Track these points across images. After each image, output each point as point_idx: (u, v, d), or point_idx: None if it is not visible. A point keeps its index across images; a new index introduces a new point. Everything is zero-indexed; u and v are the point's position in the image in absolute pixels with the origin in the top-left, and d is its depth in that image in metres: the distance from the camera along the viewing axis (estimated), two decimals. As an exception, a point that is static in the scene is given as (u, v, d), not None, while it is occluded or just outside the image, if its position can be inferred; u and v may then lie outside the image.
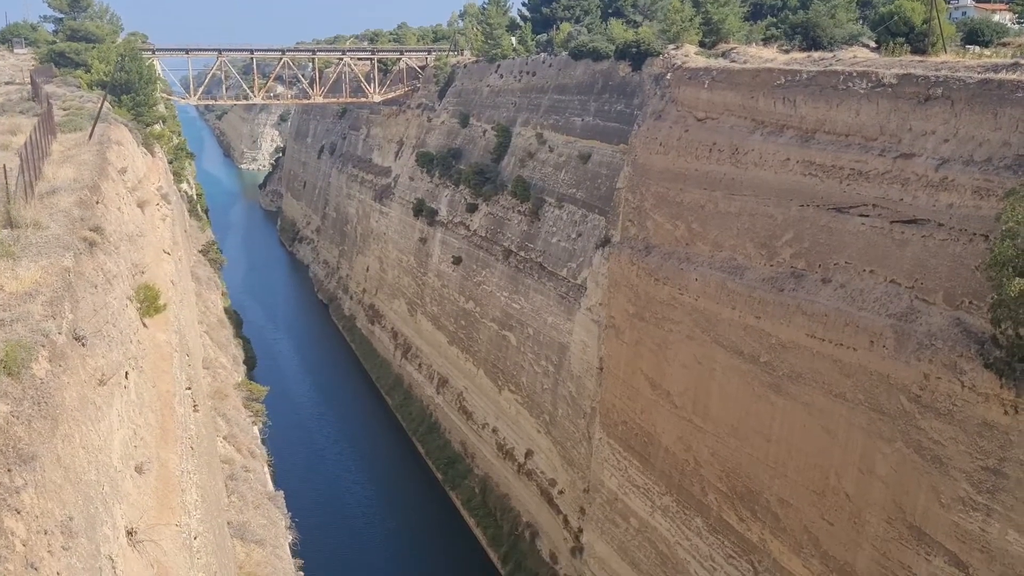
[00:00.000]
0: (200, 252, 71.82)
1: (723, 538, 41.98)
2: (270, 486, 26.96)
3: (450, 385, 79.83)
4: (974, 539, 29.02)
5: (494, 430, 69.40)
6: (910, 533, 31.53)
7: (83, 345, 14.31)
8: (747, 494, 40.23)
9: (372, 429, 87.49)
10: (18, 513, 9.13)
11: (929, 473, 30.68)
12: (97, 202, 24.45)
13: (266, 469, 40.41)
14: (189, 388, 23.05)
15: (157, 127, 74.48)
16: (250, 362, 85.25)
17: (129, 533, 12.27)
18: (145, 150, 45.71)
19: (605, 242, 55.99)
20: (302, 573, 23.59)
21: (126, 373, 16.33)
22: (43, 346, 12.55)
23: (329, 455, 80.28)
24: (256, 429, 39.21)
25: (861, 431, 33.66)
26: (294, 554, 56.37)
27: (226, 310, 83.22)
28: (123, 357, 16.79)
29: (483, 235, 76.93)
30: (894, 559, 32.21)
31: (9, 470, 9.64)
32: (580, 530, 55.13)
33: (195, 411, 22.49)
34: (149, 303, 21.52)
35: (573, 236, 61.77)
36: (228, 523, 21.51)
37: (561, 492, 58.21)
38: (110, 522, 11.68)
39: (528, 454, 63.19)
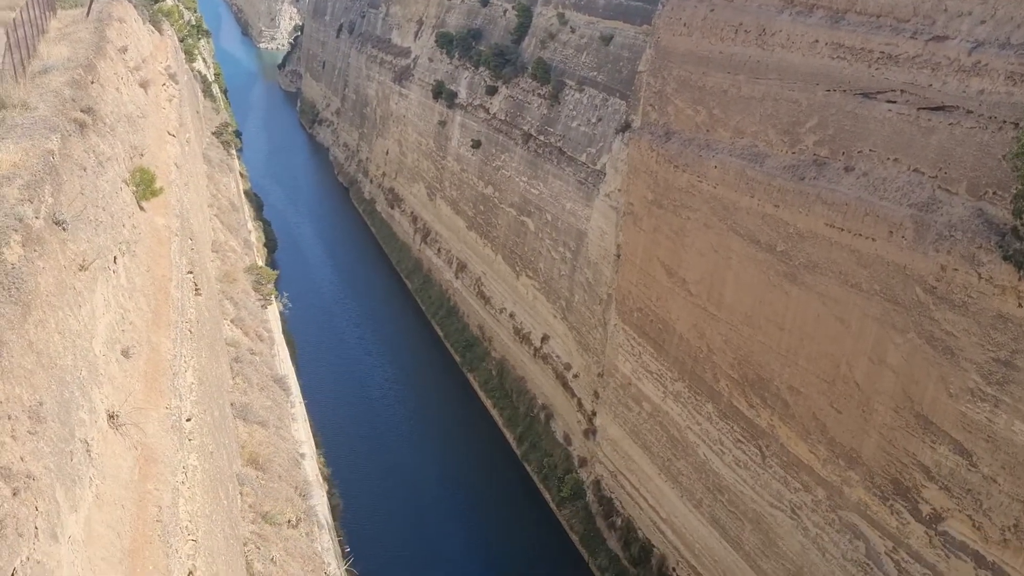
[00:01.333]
0: (213, 134, 71.02)
1: (733, 423, 42.42)
2: (278, 369, 27.29)
3: (468, 270, 79.99)
4: (980, 429, 28.97)
5: (511, 315, 69.84)
6: (917, 422, 31.54)
7: (63, 230, 14.06)
8: (758, 381, 40.35)
9: (392, 312, 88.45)
10: (-23, 400, 9.04)
11: (939, 364, 30.41)
12: (92, 82, 23.79)
13: (277, 352, 40.97)
14: (191, 272, 23.00)
15: (168, 2, 72.42)
16: (271, 245, 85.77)
17: (111, 416, 12.31)
18: (152, 28, 44.45)
19: (625, 127, 54.57)
20: (305, 452, 24.01)
21: (115, 258, 16.14)
22: (16, 231, 12.29)
23: (350, 338, 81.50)
24: (268, 311, 39.56)
25: (874, 321, 33.27)
26: (314, 435, 57.92)
27: (246, 192, 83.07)
28: (112, 242, 16.56)
29: (502, 118, 75.38)
30: (899, 447, 32.36)
31: (-28, 358, 9.52)
32: (594, 413, 56.00)
33: (197, 295, 22.52)
34: (145, 186, 21.19)
35: (593, 121, 60.28)
36: (231, 404, 21.84)
37: (576, 376, 58.88)
38: (87, 406, 11.67)
39: (544, 338, 63.69)
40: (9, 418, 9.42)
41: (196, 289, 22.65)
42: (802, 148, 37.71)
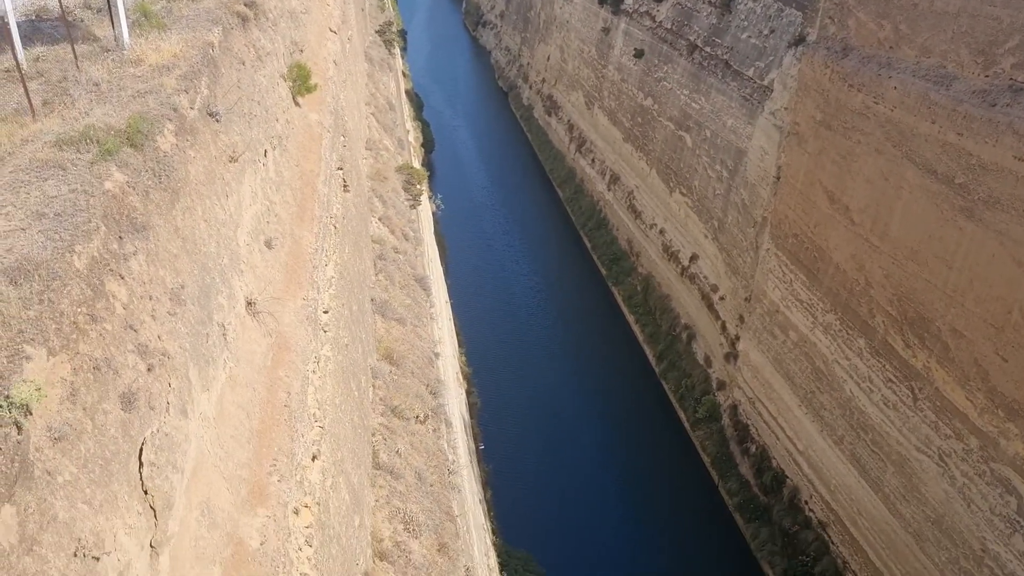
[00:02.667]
0: (377, 32, 71.80)
1: (885, 362, 40.31)
2: (421, 269, 27.87)
3: (621, 182, 78.68)
4: None
5: (661, 231, 68.50)
6: (1095, 380, 28.89)
7: (216, 121, 14.54)
8: (918, 320, 37.95)
9: (542, 220, 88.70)
10: (121, 279, 9.58)
11: None
12: (257, -24, 24.25)
13: (425, 251, 41.93)
14: (340, 168, 23.54)
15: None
16: (428, 145, 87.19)
17: (249, 304, 12.86)
18: (321, -77, 44.88)
19: (799, 41, 51.09)
20: (440, 351, 24.59)
21: (265, 151, 16.64)
22: (170, 120, 12.79)
23: (498, 243, 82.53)
24: (419, 211, 40.33)
25: (1058, 266, 30.36)
26: (457, 334, 59.60)
27: (407, 92, 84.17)
28: (264, 136, 17.06)
29: (668, 27, 72.30)
30: (1070, 405, 29.84)
31: (120, 237, 10.06)
32: (737, 337, 54.66)
33: (345, 191, 23.10)
34: (301, 82, 21.65)
35: (765, 32, 56.77)
36: (372, 300, 22.53)
37: (722, 298, 57.43)
38: (227, 292, 12.21)
39: (693, 258, 62.23)
40: (150, 299, 9.96)
41: (344, 185, 23.22)
42: (997, 71, 34.14)
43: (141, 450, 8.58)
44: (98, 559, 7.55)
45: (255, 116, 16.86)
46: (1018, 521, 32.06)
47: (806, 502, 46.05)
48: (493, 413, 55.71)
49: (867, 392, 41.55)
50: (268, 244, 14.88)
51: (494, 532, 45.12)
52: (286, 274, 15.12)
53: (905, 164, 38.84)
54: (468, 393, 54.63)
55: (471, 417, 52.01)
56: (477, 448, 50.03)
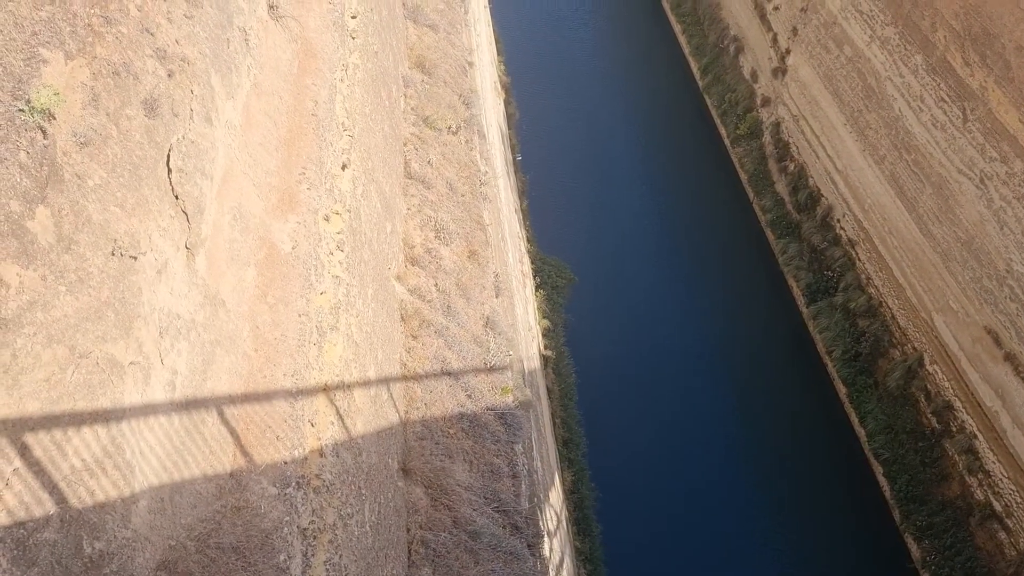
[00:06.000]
0: None
1: (940, 80, 38.63)
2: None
3: None
4: None
5: (717, -69, 63.15)
6: None
7: None
8: (982, 36, 35.78)
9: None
10: (133, -23, 9.17)
11: None
12: None
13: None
14: None
15: None
16: None
17: (271, 7, 12.38)
18: None
19: None
20: (471, 63, 23.90)
21: None
22: None
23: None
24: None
25: None
26: (497, 41, 57.48)
27: None
28: None
29: None
30: None
31: (128, -69, 9.49)
32: (787, 51, 52.23)
33: None
34: None
35: None
36: (403, 4, 21.50)
37: (776, 8, 54.13)
38: (246, -6, 11.73)
39: (749, -38, 57.80)
40: (165, 0, 9.61)
41: None
42: None
43: (168, 157, 8.73)
44: (135, 258, 7.98)
45: None
46: (1048, 245, 32.32)
47: (838, 220, 46.49)
48: (532, 123, 55.29)
49: (916, 112, 40.27)
50: (288, -60, 14.00)
51: (529, 240, 46.66)
52: (309, -26, 14.39)
53: None
54: (507, 103, 53.90)
55: (509, 128, 51.76)
56: (514, 158, 50.29)
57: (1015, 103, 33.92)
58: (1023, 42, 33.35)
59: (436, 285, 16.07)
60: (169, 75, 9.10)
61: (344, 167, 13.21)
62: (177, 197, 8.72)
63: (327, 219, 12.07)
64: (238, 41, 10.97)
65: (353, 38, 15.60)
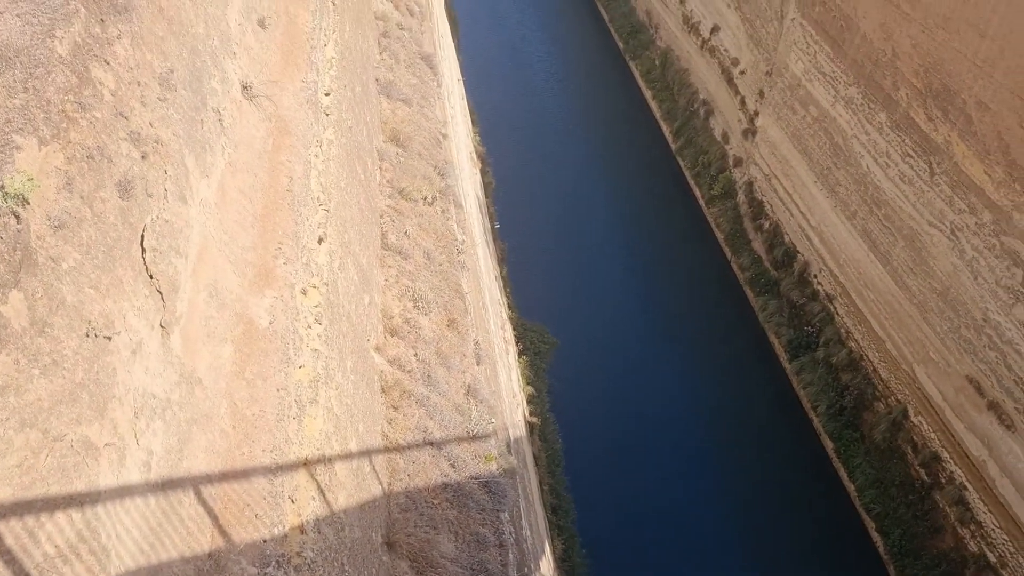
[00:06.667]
0: None
1: (905, 136, 39.59)
2: (427, 46, 26.89)
3: (642, -53, 74.03)
4: None
5: (681, 1, 65.16)
6: (1117, 153, 28.41)
7: None
8: (943, 92, 36.83)
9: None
10: (107, 64, 9.37)
11: None
12: None
13: (435, 26, 40.30)
14: (337, -62, 22.23)
15: None
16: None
17: (245, 87, 12.62)
18: None
19: None
20: (445, 134, 24.34)
21: (251, -81, 15.63)
22: None
23: (511, 17, 79.13)
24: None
25: (1095, 33, 28.94)
26: (471, 112, 58.59)
27: None
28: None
29: None
30: (1088, 178, 29.53)
31: (102, 20, 9.72)
32: (756, 113, 53.52)
33: (344, -37, 21.92)
34: None
35: None
36: (376, 80, 21.97)
37: (743, 72, 55.63)
38: (220, 76, 11.94)
39: (714, 29, 59.62)
40: (139, 84, 9.80)
41: (343, -43, 22.03)
42: None
43: (143, 237, 8.80)
44: (110, 339, 7.97)
45: None
46: (1021, 292, 32.75)
47: (815, 276, 47.02)
48: (509, 192, 55.96)
49: (884, 167, 41.16)
50: (261, 23, 14.35)
51: (510, 307, 46.79)
52: (282, 55, 14.71)
53: (946, -80, 36.12)
54: (483, 173, 54.63)
55: (486, 196, 52.34)
56: (492, 227, 50.75)
57: (979, 155, 34.77)
58: (983, 97, 34.34)
59: (416, 355, 16.09)
60: (143, 157, 9.23)
61: (321, 241, 13.33)
62: (152, 276, 8.76)
63: (304, 293, 12.12)
64: (212, 121, 11.16)
65: (327, 114, 15.89)
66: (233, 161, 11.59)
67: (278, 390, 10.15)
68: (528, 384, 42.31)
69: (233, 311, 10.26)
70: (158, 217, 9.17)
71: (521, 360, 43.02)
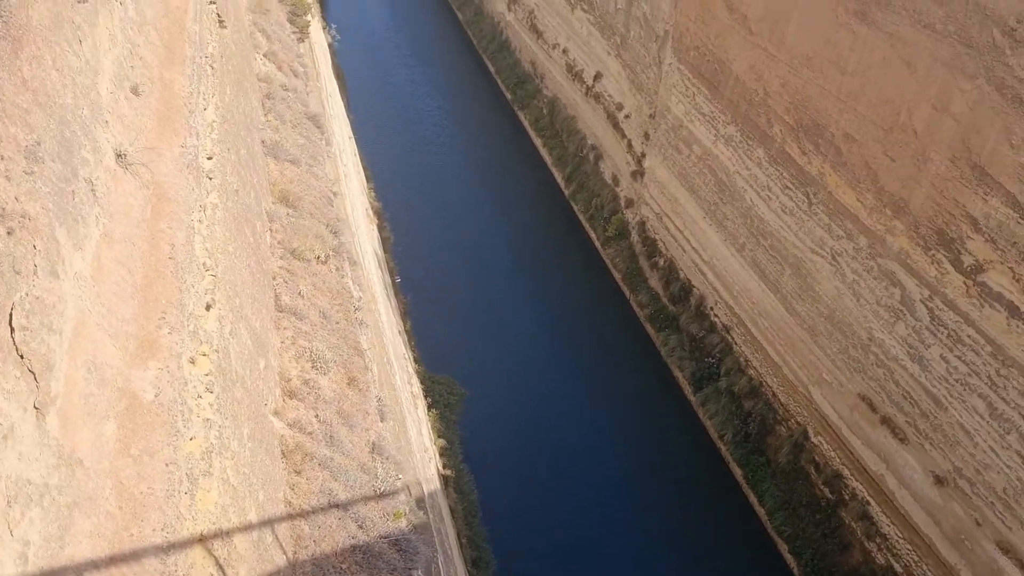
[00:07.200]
0: None
1: (782, 169, 41.52)
2: (313, 105, 26.88)
3: (521, 2, 76.00)
4: (1037, 182, 27.92)
5: (564, 51, 67.12)
6: (972, 172, 30.42)
7: (57, -44, 13.33)
8: (813, 127, 38.89)
9: (443, 46, 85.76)
10: (-35, 140, 9.02)
11: (1006, 113, 28.72)
12: None
13: (323, 86, 40.31)
14: (213, 2, 22.11)
15: None
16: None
17: (119, 156, 12.33)
18: None
19: None
20: (336, 193, 24.25)
21: (121, -13, 15.43)
22: (0, -43, 11.65)
23: (400, 73, 79.84)
24: (311, 44, 38.47)
25: (943, 66, 31.14)
26: (365, 169, 58.51)
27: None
28: (118, -31, 15.76)
29: None
30: (950, 197, 31.50)
31: (-42, 94, 9.38)
32: (643, 155, 55.23)
33: (221, 27, 21.76)
34: (155, -94, 19.82)
35: None
36: (262, 142, 21.79)
37: (627, 116, 57.46)
38: (91, 146, 11.64)
39: (597, 76, 61.54)
40: (2, 159, 9.45)
41: (220, 21, 21.88)
42: None
43: (11, 316, 8.42)
44: (-22, 426, 7.55)
45: (103, -51, 15.46)
46: (901, 310, 34.50)
47: (711, 308, 48.42)
48: (408, 245, 55.89)
49: (766, 200, 42.98)
50: (135, 91, 14.08)
51: (417, 360, 46.42)
52: (159, 121, 14.44)
53: (801, -33, 38.49)
54: (381, 228, 54.47)
55: (385, 251, 52.14)
56: (394, 281, 50.49)
57: (851, 184, 36.72)
58: (849, 129, 36.40)
59: (317, 416, 15.78)
60: (9, 233, 8.87)
61: (209, 307, 13.01)
62: (22, 356, 8.37)
63: (193, 362, 11.78)
64: (84, 192, 10.84)
65: (210, 178, 15.64)
66: (109, 232, 11.24)
67: (167, 465, 9.78)
68: (440, 437, 41.90)
69: (115, 386, 9.88)
70: (27, 294, 8.79)
71: (431, 413, 42.63)
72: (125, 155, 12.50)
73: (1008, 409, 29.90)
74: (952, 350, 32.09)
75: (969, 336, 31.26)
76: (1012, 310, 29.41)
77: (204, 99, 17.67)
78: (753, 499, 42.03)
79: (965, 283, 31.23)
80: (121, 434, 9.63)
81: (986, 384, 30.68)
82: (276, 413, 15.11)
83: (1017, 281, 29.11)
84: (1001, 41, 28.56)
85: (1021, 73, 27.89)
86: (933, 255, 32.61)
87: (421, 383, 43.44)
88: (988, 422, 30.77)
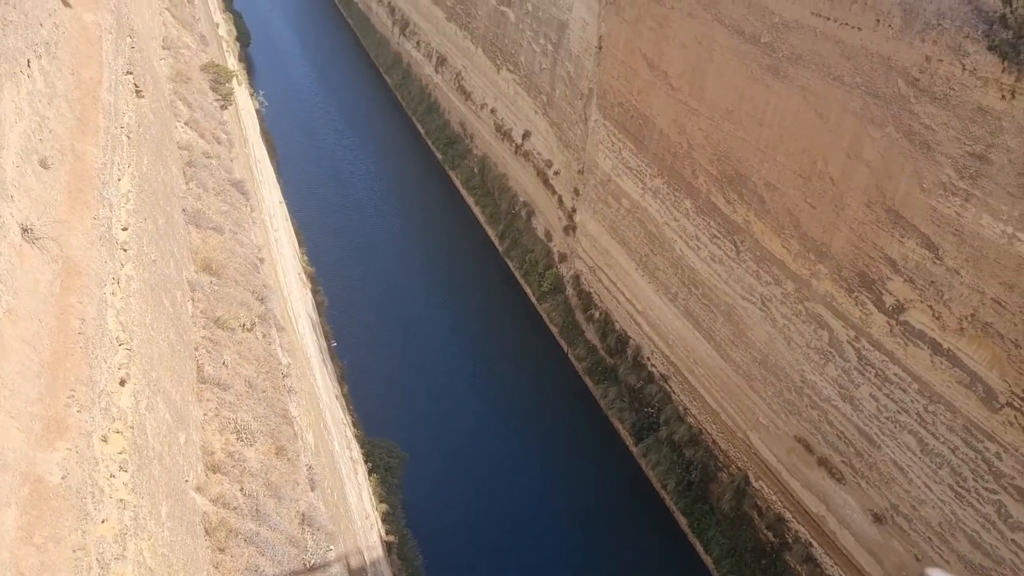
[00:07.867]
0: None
1: (709, 219, 42.43)
2: (237, 172, 26.67)
3: (448, 64, 77.22)
4: (948, 223, 28.98)
5: (492, 111, 68.15)
6: (887, 216, 31.51)
7: (-41, 30, 13.06)
8: (736, 178, 39.95)
9: (372, 109, 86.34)
10: None
11: (915, 158, 29.94)
12: None
13: (251, 152, 40.05)
14: (130, 72, 21.90)
15: None
16: (243, 39, 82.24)
17: (25, 231, 11.97)
18: None
19: (609, -98, 50.57)
20: (263, 259, 23.93)
21: (28, 61, 15.15)
22: None
23: (330, 137, 79.97)
24: (236, 111, 38.33)
25: (853, 116, 32.43)
26: (297, 233, 57.97)
27: (213, -17, 78.24)
28: (25, 44, 15.48)
29: None
30: (868, 241, 32.52)
31: None
32: (574, 210, 55.97)
33: (139, 97, 21.57)
34: (67, -22, 19.65)
35: None
36: (183, 210, 21.48)
37: (557, 173, 58.33)
38: (-7, 222, 11.28)
39: (525, 135, 62.51)
40: None
41: (137, 91, 21.68)
42: (791, -74, 35.16)
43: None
44: None
45: (10, 22, 15.23)
46: (830, 352, 35.22)
47: (648, 358, 48.78)
48: (343, 309, 55.32)
49: (695, 249, 43.81)
50: (43, 164, 13.74)
51: (355, 425, 45.56)
52: (69, 194, 14.09)
53: (715, 26, 39.92)
54: (315, 292, 53.84)
55: (320, 315, 51.47)
56: (329, 346, 49.74)
57: (775, 231, 37.68)
58: (770, 178, 37.49)
59: (242, 489, 15.27)
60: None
61: (123, 383, 12.60)
62: (-88, 445, 7.91)
63: (105, 440, 11.33)
64: (-16, 269, 10.46)
65: (125, 250, 15.28)
66: (12, 309, 10.83)
67: (75, 551, 9.30)
68: (382, 502, 40.95)
69: (17, 470, 9.40)
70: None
71: (372, 478, 41.70)
72: (31, 229, 12.12)
73: (938, 444, 30.54)
74: (881, 388, 32.78)
75: (896, 374, 32.00)
76: (935, 347, 30.25)
77: (119, 169, 17.33)
78: (699, 547, 41.92)
79: (888, 323, 32.08)
80: (24, 521, 9.13)
81: (915, 420, 31.35)
82: (198, 489, 14.60)
83: (937, 319, 30.01)
84: (906, 90, 29.88)
85: (927, 120, 29.15)
86: (856, 297, 33.50)
87: (361, 447, 42.58)
88: (920, 458, 31.36)
